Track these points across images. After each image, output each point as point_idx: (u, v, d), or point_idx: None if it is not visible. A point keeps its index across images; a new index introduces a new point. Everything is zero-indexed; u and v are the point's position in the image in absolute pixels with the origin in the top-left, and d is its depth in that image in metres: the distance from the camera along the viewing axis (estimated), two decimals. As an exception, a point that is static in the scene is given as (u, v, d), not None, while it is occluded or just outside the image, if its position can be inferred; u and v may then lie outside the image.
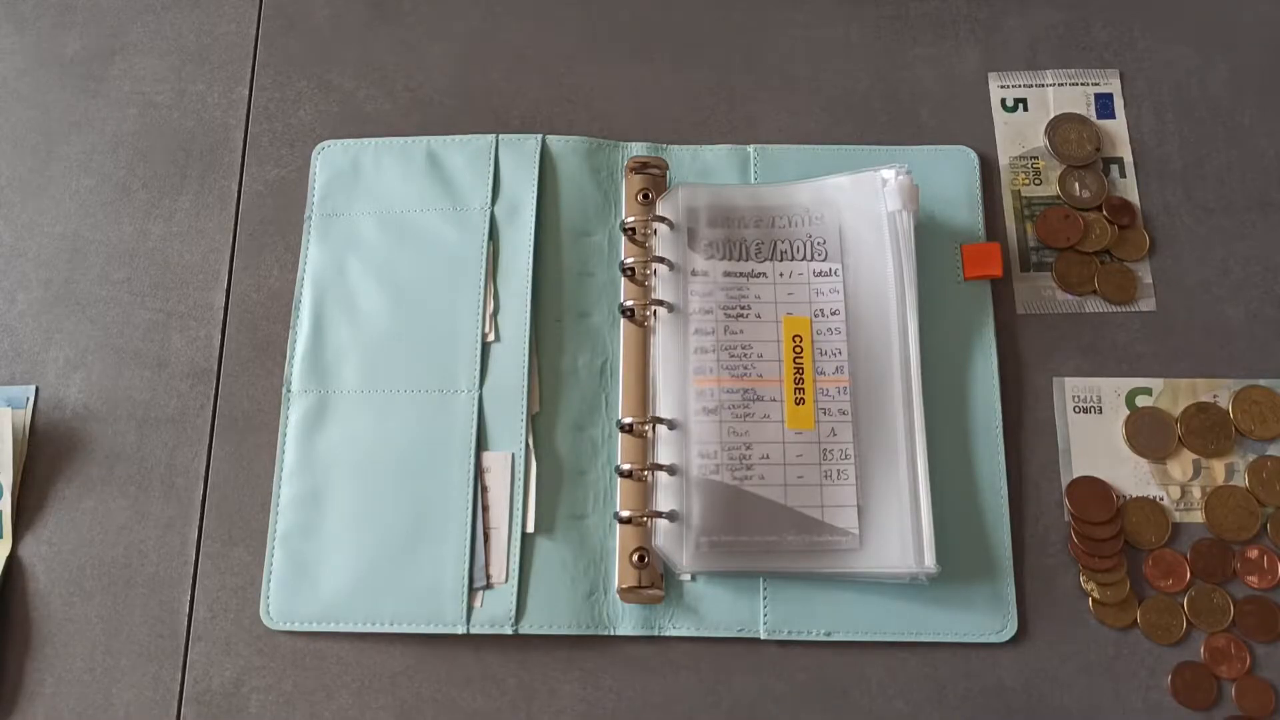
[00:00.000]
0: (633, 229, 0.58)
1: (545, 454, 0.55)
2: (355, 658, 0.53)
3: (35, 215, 0.60)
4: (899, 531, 0.52)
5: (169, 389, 0.57)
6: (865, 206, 0.57)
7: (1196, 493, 0.54)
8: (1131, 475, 0.55)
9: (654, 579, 0.52)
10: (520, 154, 0.60)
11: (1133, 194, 0.60)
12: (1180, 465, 0.55)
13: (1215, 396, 0.56)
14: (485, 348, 0.56)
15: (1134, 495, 0.54)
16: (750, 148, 0.60)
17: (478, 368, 0.56)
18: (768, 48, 0.63)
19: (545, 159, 0.60)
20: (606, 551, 0.53)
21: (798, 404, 0.54)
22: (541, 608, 0.52)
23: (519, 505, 0.54)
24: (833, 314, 0.55)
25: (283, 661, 0.53)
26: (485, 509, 0.54)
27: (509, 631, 0.52)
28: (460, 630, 0.52)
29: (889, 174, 0.57)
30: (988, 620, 0.52)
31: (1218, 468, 0.55)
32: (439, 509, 0.53)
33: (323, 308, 0.57)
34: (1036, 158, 0.61)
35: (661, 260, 0.56)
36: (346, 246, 0.58)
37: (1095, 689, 0.52)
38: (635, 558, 0.52)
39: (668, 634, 0.52)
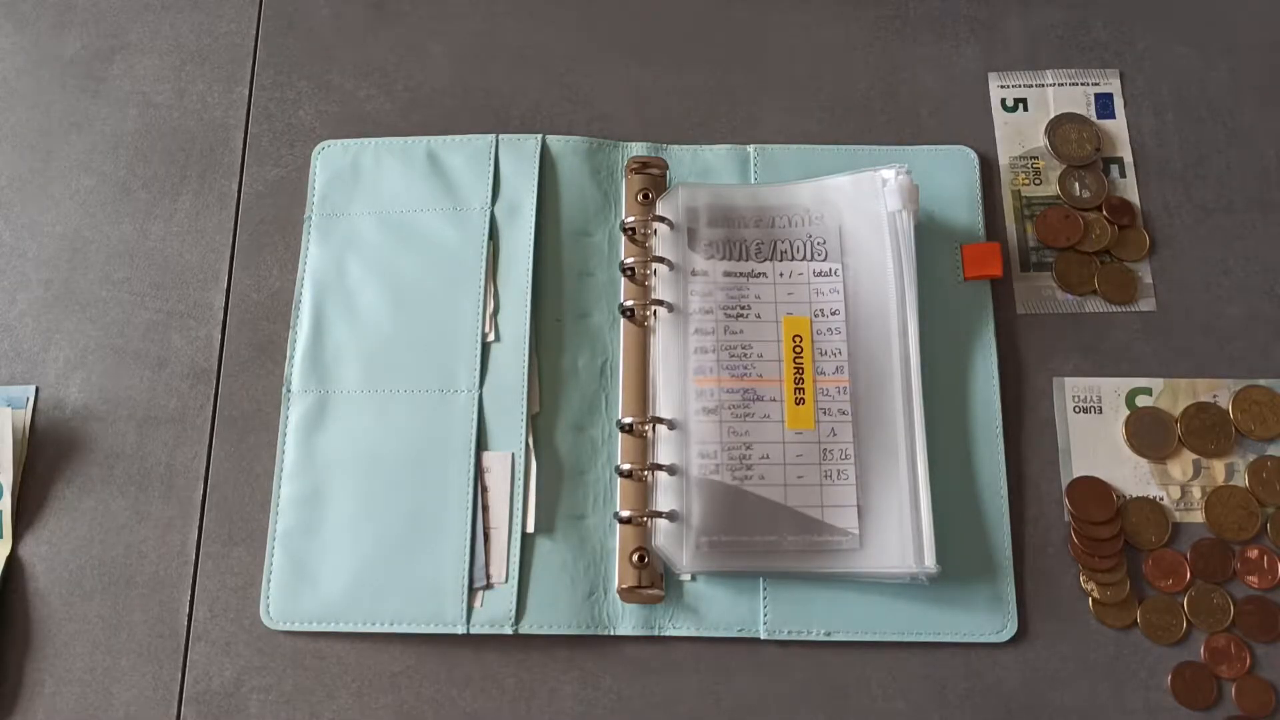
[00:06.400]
0: (633, 229, 0.58)
1: (545, 454, 0.55)
2: (355, 658, 0.53)
3: (35, 215, 0.60)
4: (899, 531, 0.52)
5: (169, 389, 0.57)
6: (865, 206, 0.57)
7: (1196, 493, 0.54)
8: (1131, 475, 0.55)
9: (654, 579, 0.52)
10: (520, 154, 0.60)
11: (1133, 194, 0.60)
12: (1180, 465, 0.55)
13: (1215, 396, 0.56)
14: (485, 348, 0.56)
15: (1134, 495, 0.54)
16: (750, 148, 0.60)
17: (478, 368, 0.56)
18: (768, 48, 0.63)
19: (545, 159, 0.60)
20: (606, 551, 0.53)
21: (798, 404, 0.54)
22: (541, 608, 0.52)
23: (519, 505, 0.54)
24: (833, 314, 0.55)
25: (283, 661, 0.53)
26: (485, 509, 0.54)
27: (509, 631, 0.52)
28: (460, 630, 0.52)
29: (889, 174, 0.57)
30: (988, 620, 0.52)
31: (1218, 468, 0.55)
32: (439, 509, 0.53)
33: (323, 308, 0.57)
34: (1036, 158, 0.61)
35: (661, 260, 0.56)
36: (346, 246, 0.58)
37: (1095, 689, 0.52)
38: (635, 558, 0.52)
39: (668, 634, 0.52)
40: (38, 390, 0.57)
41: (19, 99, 0.63)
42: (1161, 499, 0.54)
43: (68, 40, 0.64)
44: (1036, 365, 0.57)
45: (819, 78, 0.63)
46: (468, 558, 0.53)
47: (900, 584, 0.52)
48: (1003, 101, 0.62)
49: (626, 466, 0.54)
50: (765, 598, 0.53)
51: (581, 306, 0.57)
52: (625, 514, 0.53)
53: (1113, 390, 0.56)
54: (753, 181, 0.60)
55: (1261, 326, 0.57)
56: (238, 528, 0.55)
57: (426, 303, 0.57)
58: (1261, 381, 0.56)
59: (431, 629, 0.52)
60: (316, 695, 0.52)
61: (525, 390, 0.55)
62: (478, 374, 0.56)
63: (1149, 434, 0.55)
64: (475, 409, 0.55)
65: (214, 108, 0.63)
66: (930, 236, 0.58)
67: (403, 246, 0.58)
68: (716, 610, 0.52)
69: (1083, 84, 0.62)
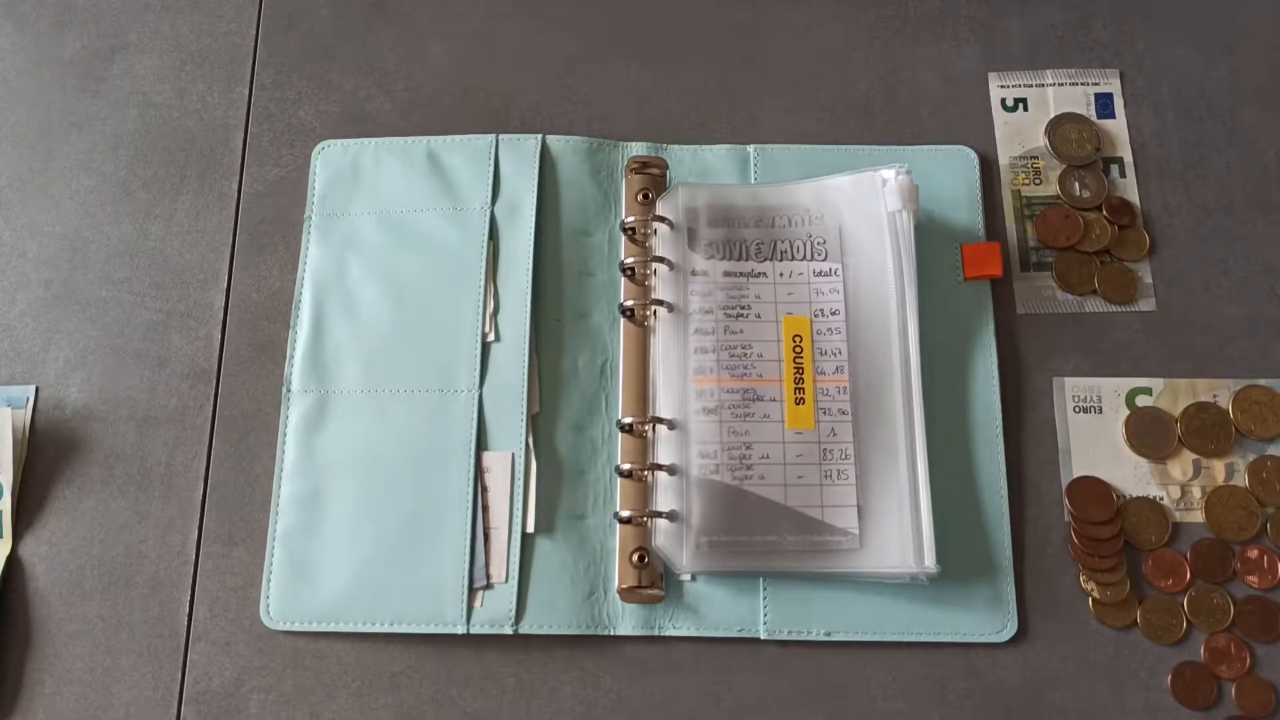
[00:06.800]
0: (633, 229, 0.58)
1: (545, 454, 0.55)
2: (355, 658, 0.53)
3: (35, 215, 0.61)
4: (899, 531, 0.52)
5: (169, 389, 0.57)
6: (865, 206, 0.57)
7: (1196, 493, 0.54)
8: (1131, 475, 0.55)
9: (654, 579, 0.52)
10: (520, 154, 0.60)
11: (1133, 194, 0.60)
12: (1180, 465, 0.55)
13: (1215, 396, 0.56)
14: (485, 348, 0.56)
15: (1134, 495, 0.54)
16: (750, 148, 0.60)
17: (478, 368, 0.56)
18: (768, 48, 0.63)
19: (545, 159, 0.60)
20: (606, 551, 0.53)
21: (798, 404, 0.54)
22: (541, 608, 0.52)
23: (519, 505, 0.54)
24: (833, 314, 0.55)
25: (283, 661, 0.53)
26: (485, 509, 0.54)
27: (509, 631, 0.52)
28: (460, 630, 0.52)
29: (889, 174, 0.57)
30: (988, 620, 0.52)
31: (1218, 468, 0.55)
32: (439, 509, 0.53)
33: (323, 308, 0.57)
34: (1036, 158, 0.61)
35: (661, 260, 0.56)
36: (346, 246, 0.58)
37: (1095, 689, 0.52)
38: (635, 558, 0.52)
39: (668, 634, 0.52)
40: (38, 390, 0.57)
41: (19, 99, 0.63)
42: (1161, 499, 0.54)
43: (68, 40, 0.64)
44: (1036, 365, 0.57)
45: (819, 78, 0.63)
46: (468, 558, 0.53)
47: (900, 584, 0.52)
48: (1003, 101, 0.62)
49: (626, 466, 0.54)
50: (765, 598, 0.53)
51: (581, 306, 0.57)
52: (625, 514, 0.53)
53: (1113, 390, 0.56)
54: (753, 181, 0.60)
55: (1261, 326, 0.57)
56: (238, 528, 0.55)
57: (426, 303, 0.57)
58: (1261, 381, 0.56)
59: (431, 629, 0.52)
60: (316, 695, 0.52)
61: (525, 390, 0.55)
62: (478, 374, 0.56)
63: (1149, 434, 0.55)
64: (475, 409, 0.55)
65: (214, 108, 0.63)
66: (930, 236, 0.58)
67: (403, 246, 0.58)
68: (716, 610, 0.52)
69: (1083, 84, 0.62)
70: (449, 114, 0.62)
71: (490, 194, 0.59)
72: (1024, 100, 0.62)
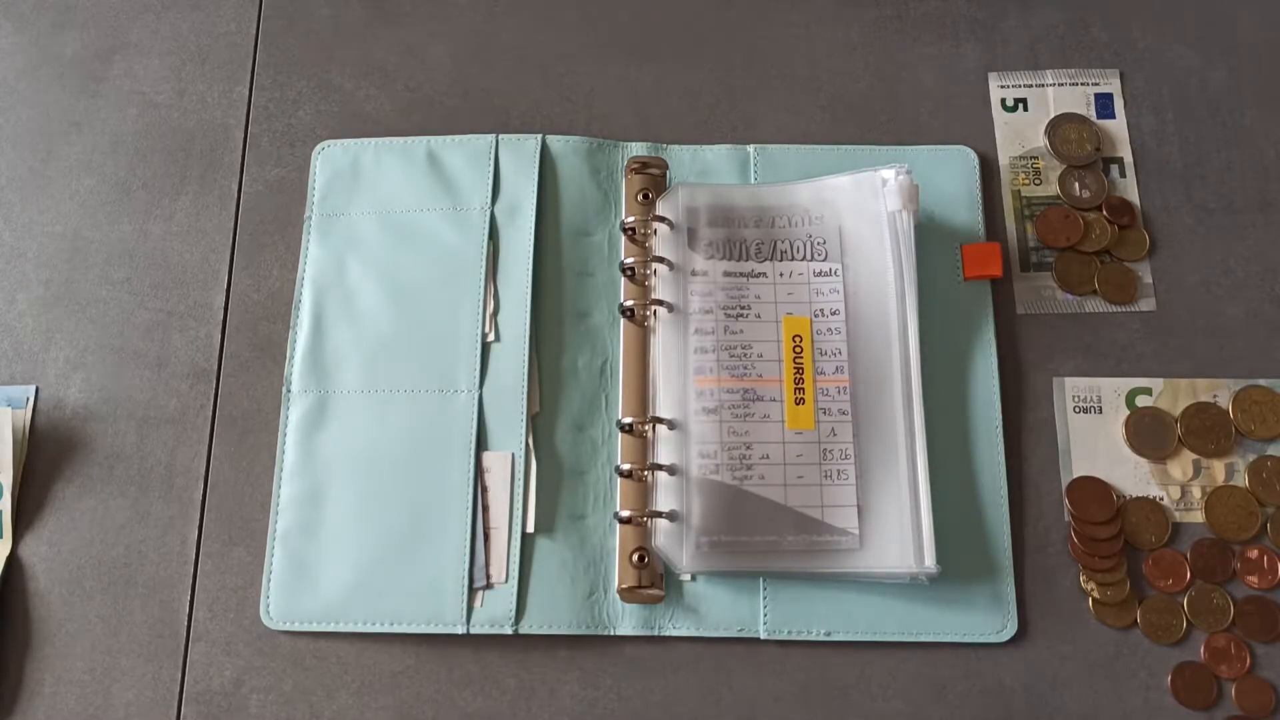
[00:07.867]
0: (633, 229, 0.58)
1: (545, 454, 0.55)
2: (355, 658, 0.53)
3: (35, 215, 0.61)
4: (899, 531, 0.52)
5: (169, 389, 0.57)
6: (865, 206, 0.57)
7: (1196, 493, 0.54)
8: (1131, 475, 0.55)
9: (654, 579, 0.52)
10: (520, 154, 0.60)
11: (1133, 194, 0.60)
12: (1180, 465, 0.55)
13: (1215, 396, 0.56)
14: (485, 348, 0.56)
15: (1134, 495, 0.54)
16: (750, 148, 0.60)
17: (478, 368, 0.56)
18: (768, 48, 0.63)
19: (545, 159, 0.60)
20: (606, 551, 0.53)
21: (798, 404, 0.54)
22: (541, 608, 0.52)
23: (519, 505, 0.54)
24: (833, 314, 0.55)
25: (283, 661, 0.53)
26: (485, 509, 0.54)
27: (509, 631, 0.52)
28: (460, 630, 0.52)
29: (889, 174, 0.57)
30: (988, 620, 0.52)
31: (1218, 468, 0.55)
32: (439, 509, 0.53)
33: (323, 308, 0.57)
34: (1036, 158, 0.61)
35: (661, 260, 0.56)
36: (346, 246, 0.58)
37: (1095, 689, 0.52)
38: (635, 558, 0.52)
39: (668, 634, 0.52)
40: (38, 390, 0.57)
41: (19, 99, 0.63)
42: (1161, 499, 0.54)
43: (68, 40, 0.64)
44: (1036, 365, 0.57)
45: (819, 78, 0.63)
46: (468, 558, 0.53)
47: (900, 584, 0.52)
48: (1003, 101, 0.62)
49: (626, 466, 0.54)
50: (765, 598, 0.53)
51: (581, 306, 0.57)
52: (625, 514, 0.53)
53: (1113, 390, 0.56)
54: (753, 181, 0.60)
55: (1261, 326, 0.57)
56: (238, 528, 0.55)
57: (426, 303, 0.57)
58: (1261, 381, 0.56)
59: (431, 629, 0.52)
60: (316, 695, 0.52)
61: (525, 390, 0.55)
62: (478, 374, 0.56)
63: (1149, 434, 0.55)
64: (475, 409, 0.55)
65: (214, 108, 0.63)
66: (930, 236, 0.58)
67: (403, 246, 0.58)
68: (716, 610, 0.52)
69: (1083, 84, 0.62)
70: (449, 114, 0.62)
71: (490, 194, 0.59)
72: (1024, 100, 0.62)
